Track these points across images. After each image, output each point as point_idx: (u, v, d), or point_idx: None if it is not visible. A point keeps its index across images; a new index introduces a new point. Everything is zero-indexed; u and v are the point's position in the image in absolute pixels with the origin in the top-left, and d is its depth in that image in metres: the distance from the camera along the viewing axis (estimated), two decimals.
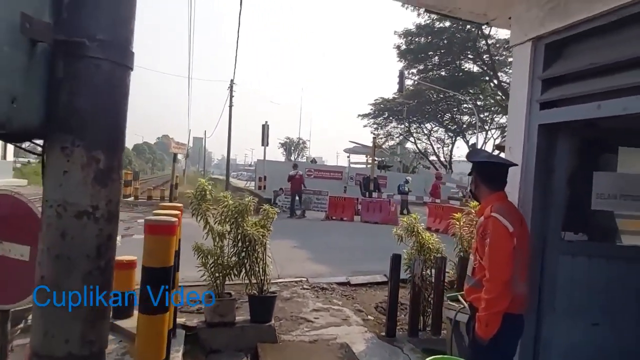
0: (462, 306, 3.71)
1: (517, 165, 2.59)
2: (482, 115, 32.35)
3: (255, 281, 4.35)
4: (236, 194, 18.40)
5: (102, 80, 1.19)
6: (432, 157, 41.97)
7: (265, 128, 22.59)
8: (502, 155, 3.14)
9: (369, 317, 5.37)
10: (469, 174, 2.54)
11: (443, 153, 41.55)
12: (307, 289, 6.40)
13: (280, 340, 4.36)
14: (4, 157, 24.54)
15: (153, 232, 2.54)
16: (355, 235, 12.58)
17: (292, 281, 6.70)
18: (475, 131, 37.71)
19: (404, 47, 32.56)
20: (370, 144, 37.96)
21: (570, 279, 2.84)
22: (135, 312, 3.20)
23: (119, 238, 3.46)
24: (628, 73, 2.22)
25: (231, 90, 26.68)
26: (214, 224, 4.31)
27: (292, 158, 71.08)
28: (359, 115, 41.62)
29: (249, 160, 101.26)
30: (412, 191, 19.71)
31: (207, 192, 4.26)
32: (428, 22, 30.66)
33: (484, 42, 30.04)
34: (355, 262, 8.41)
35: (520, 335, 2.42)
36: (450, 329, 3.86)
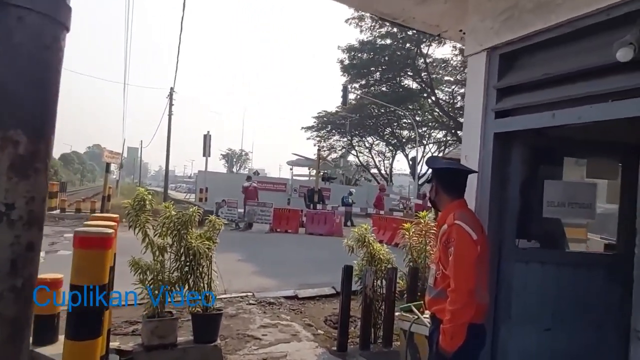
0: (415, 317, 3.67)
1: (476, 172, 2.58)
2: (420, 130, 33.62)
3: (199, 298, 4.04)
4: (177, 207, 17.63)
5: (26, 38, 0.92)
6: (373, 170, 42.97)
7: (207, 138, 21.96)
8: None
9: (319, 331, 5.20)
10: (428, 181, 2.49)
11: (384, 166, 42.73)
12: (254, 304, 6.12)
13: None
14: None
15: (85, 245, 2.22)
16: (301, 247, 12.40)
17: (237, 296, 6.38)
18: (414, 145, 39.19)
19: (347, 62, 33.24)
20: (313, 157, 38.28)
21: (524, 285, 2.86)
22: (61, 338, 2.82)
23: (42, 253, 3.05)
24: (581, 83, 2.27)
25: (171, 99, 25.70)
26: (154, 236, 3.97)
27: (234, 170, 69.78)
28: (302, 127, 41.84)
29: (188, 172, 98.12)
30: (356, 203, 19.92)
31: (147, 202, 3.92)
32: (370, 39, 31.60)
33: (422, 60, 31.41)
34: (302, 274, 8.22)
35: (483, 345, 2.38)
36: (405, 340, 3.80)
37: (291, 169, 40.62)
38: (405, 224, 5.22)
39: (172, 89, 25.94)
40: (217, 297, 6.12)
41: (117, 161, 16.79)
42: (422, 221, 5.10)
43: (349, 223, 17.15)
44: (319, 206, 17.38)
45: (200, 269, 4.01)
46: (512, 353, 2.89)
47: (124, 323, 4.93)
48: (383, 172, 42.30)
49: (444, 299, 2.24)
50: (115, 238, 3.17)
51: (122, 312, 5.24)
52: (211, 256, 4.08)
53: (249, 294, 6.56)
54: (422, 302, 4.07)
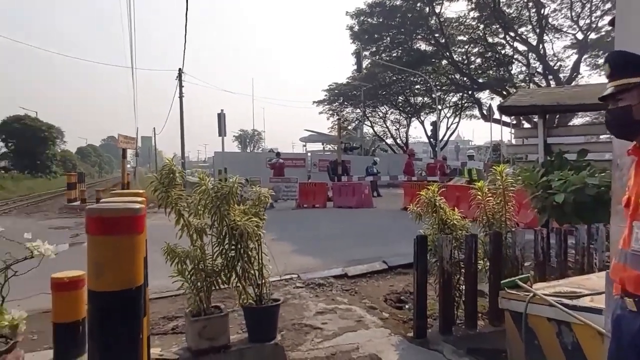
0: (530, 294, 2.88)
1: None
2: (434, 95, 32.17)
3: (251, 288, 3.31)
4: (191, 189, 17.07)
5: None
6: (389, 140, 41.80)
7: (221, 117, 21.04)
8: None
9: (384, 314, 4.46)
10: (611, 94, 1.58)
11: (399, 135, 41.49)
12: (302, 287, 5.40)
13: (289, 359, 3.36)
14: None
15: (103, 231, 1.44)
16: (334, 221, 11.67)
17: (281, 279, 5.67)
18: (428, 111, 37.83)
19: (357, 27, 31.75)
20: (327, 132, 37.31)
21: None
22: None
23: (52, 247, 2.30)
24: None
25: (180, 80, 24.83)
26: (189, 216, 3.21)
27: (248, 150, 69.12)
28: (313, 102, 40.71)
29: (202, 157, 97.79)
30: (380, 172, 19.08)
31: (177, 174, 3.14)
32: (379, 0, 29.99)
33: (435, 20, 29.78)
34: (344, 250, 7.50)
35: None
36: (513, 324, 3.02)
37: (304, 146, 39.74)
38: (477, 184, 4.39)
39: (180, 69, 25.05)
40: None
41: (132, 146, 16.17)
42: (498, 178, 4.26)
43: (374, 193, 16.36)
44: (343, 178, 16.55)
45: (249, 252, 3.25)
46: None
47: (162, 319, 4.27)
48: (399, 141, 41.13)
49: None
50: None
51: (157, 306, 4.59)
52: (260, 235, 3.32)
53: (294, 275, 5.84)
54: (527, 275, 3.28)
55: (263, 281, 3.36)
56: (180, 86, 24.33)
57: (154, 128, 67.29)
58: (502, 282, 3.18)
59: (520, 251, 4.03)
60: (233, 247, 3.21)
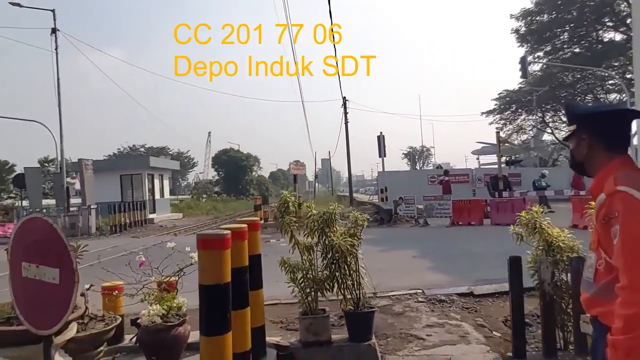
0: None
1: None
2: (633, 89, 27.19)
3: (350, 296, 4.00)
4: (359, 208, 18.44)
5: None
6: None
7: (380, 139, 22.29)
8: None
9: (494, 333, 4.57)
10: (566, 139, 1.84)
11: None
12: (423, 301, 5.79)
13: None
14: (162, 195, 28.49)
15: (203, 247, 2.40)
16: (484, 239, 11.33)
17: (405, 294, 6.14)
18: None
19: (523, 29, 29.45)
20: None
21: None
22: None
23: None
24: None
25: (345, 107, 27.05)
26: (303, 237, 4.11)
27: (418, 167, 69.13)
28: (482, 113, 38.73)
29: (375, 175, 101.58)
30: (550, 185, 17.29)
31: (290, 204, 4.09)
32: None
33: (624, 3, 25.54)
34: (482, 269, 7.46)
35: None
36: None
37: (477, 159, 38.02)
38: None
39: (344, 98, 27.32)
40: (383, 294, 6.10)
41: (303, 171, 18.48)
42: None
43: (544, 208, 14.94)
44: (505, 193, 15.63)
45: (347, 266, 3.96)
46: None
47: (286, 320, 5.19)
48: None
49: (611, 299, 1.61)
50: (257, 239, 3.40)
51: (282, 310, 5.54)
52: (356, 253, 4.00)
53: (419, 291, 6.24)
54: None
55: (360, 291, 4.00)
56: (345, 113, 26.48)
57: (329, 151, 73.06)
58: None
59: None
60: (334, 261, 3.97)
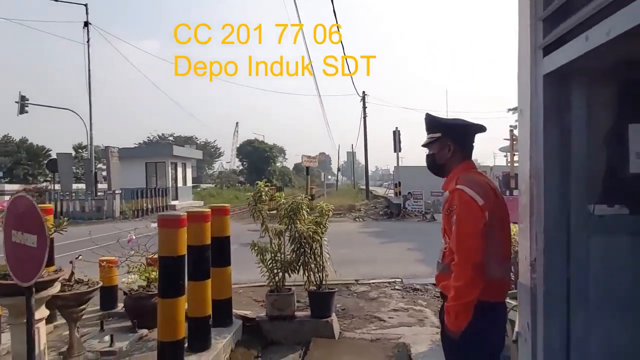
0: None
1: (485, 129, 2.21)
2: None
3: (312, 279, 4.46)
4: (372, 201, 18.72)
5: None
6: None
7: (396, 134, 22.46)
8: None
9: None
10: (425, 144, 2.23)
11: None
12: (399, 289, 6.19)
13: (341, 336, 4.37)
14: (185, 183, 29.59)
15: (162, 225, 2.91)
16: None
17: (384, 282, 6.56)
18: None
19: None
20: None
21: (606, 263, 2.28)
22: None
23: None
24: None
25: (364, 102, 27.31)
26: (277, 223, 4.59)
27: None
28: (508, 109, 38.14)
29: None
30: None
31: (263, 194, 4.56)
32: None
33: None
34: None
35: (501, 326, 2.04)
36: None
37: (505, 156, 37.56)
38: None
39: (364, 92, 27.57)
40: (364, 281, 6.54)
41: (315, 164, 18.92)
42: None
43: None
44: (515, 192, 15.66)
45: (311, 251, 4.42)
46: (593, 347, 2.34)
47: (255, 300, 5.65)
48: None
49: (450, 274, 2.04)
50: (227, 224, 3.90)
51: (254, 292, 6.00)
52: (320, 240, 4.44)
53: (397, 280, 6.64)
54: None
55: (323, 274, 4.46)
56: (364, 107, 26.75)
57: (352, 145, 73.25)
58: None
59: None
60: (300, 246, 4.44)
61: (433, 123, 2.22)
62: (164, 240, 2.91)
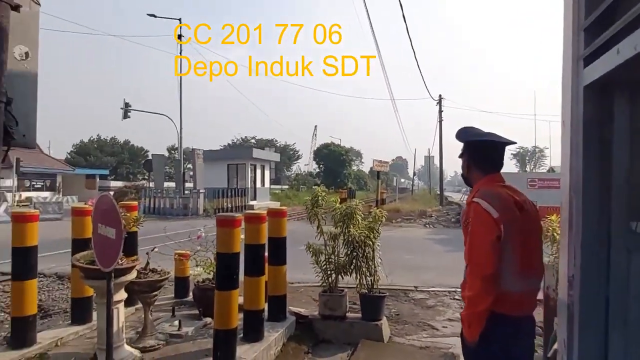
0: None
1: (514, 142, 2.21)
2: None
3: (364, 282, 4.60)
4: (444, 207, 18.31)
5: None
6: None
7: None
8: None
9: None
10: (460, 156, 2.30)
11: None
12: (457, 299, 6.09)
13: (390, 340, 4.46)
14: (263, 184, 30.99)
15: (220, 225, 3.26)
16: None
17: (444, 290, 6.48)
18: None
19: None
20: None
21: None
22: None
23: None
24: None
25: (440, 106, 26.62)
26: (332, 227, 4.81)
27: (528, 169, 64.12)
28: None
29: None
30: None
31: (320, 199, 4.80)
32: None
33: None
34: None
35: (524, 339, 2.04)
36: None
37: None
38: None
39: (440, 96, 26.88)
40: (422, 289, 6.52)
41: (386, 168, 18.90)
42: None
43: None
44: None
45: (363, 256, 4.57)
46: None
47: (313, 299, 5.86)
48: None
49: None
50: (281, 223, 4.19)
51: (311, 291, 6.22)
52: (373, 244, 4.57)
53: (458, 289, 6.51)
54: None
55: (374, 277, 4.58)
56: (440, 111, 26.05)
57: (429, 149, 71.25)
58: None
59: None
60: (352, 249, 4.61)
61: (457, 139, 2.30)
62: (221, 238, 3.25)
